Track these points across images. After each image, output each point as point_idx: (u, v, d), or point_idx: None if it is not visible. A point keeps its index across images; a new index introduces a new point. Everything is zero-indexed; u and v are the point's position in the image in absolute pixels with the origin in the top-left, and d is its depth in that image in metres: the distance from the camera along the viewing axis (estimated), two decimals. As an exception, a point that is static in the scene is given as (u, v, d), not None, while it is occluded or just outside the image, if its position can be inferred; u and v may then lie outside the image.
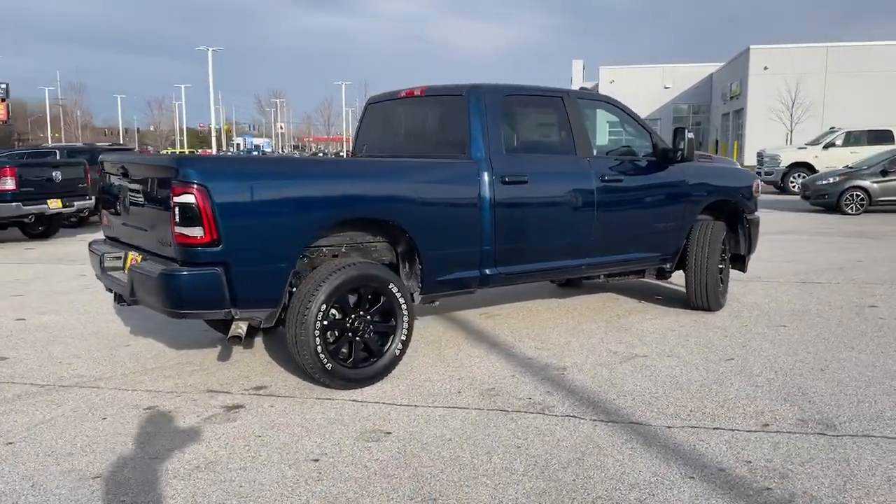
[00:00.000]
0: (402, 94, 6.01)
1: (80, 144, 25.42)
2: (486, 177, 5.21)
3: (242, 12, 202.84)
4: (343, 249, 5.02)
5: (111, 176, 5.14)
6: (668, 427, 4.08)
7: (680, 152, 6.10)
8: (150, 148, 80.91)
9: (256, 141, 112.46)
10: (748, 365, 5.19)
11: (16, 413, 4.37)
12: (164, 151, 61.37)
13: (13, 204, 12.09)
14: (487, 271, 5.37)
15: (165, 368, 5.24)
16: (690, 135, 6.11)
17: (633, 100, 53.80)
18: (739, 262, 7.28)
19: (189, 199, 4.08)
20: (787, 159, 23.01)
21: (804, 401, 4.46)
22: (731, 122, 47.94)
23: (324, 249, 4.94)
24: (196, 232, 4.11)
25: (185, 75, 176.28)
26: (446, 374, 5.06)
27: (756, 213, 7.24)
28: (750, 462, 3.63)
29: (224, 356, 5.54)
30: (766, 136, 36.38)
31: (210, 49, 54.96)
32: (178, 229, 4.14)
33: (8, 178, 12.08)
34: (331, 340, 4.65)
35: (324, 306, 4.50)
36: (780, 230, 13.31)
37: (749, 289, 7.86)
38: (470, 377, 4.98)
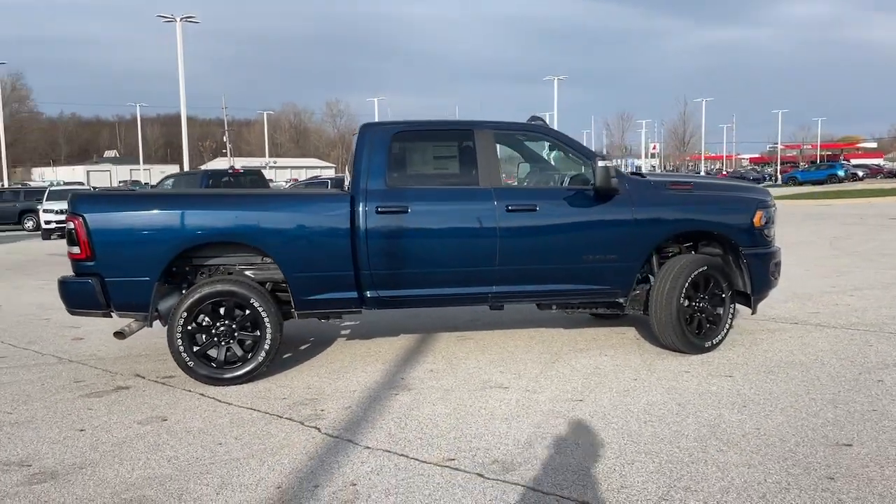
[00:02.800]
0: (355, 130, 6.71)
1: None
2: (360, 207, 5.72)
3: (636, 33, 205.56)
4: (237, 267, 5.96)
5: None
6: (366, 448, 4.31)
7: (593, 182, 5.80)
8: None
9: (637, 162, 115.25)
10: (579, 410, 4.90)
11: (32, 381, 6.06)
12: None
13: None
14: (368, 294, 5.84)
15: (149, 356, 6.69)
16: (602, 163, 5.75)
17: None
18: (748, 301, 6.43)
19: (71, 225, 5.45)
20: None
21: (542, 448, 4.25)
22: None
23: (220, 267, 5.95)
24: (76, 250, 5.46)
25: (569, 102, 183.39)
26: (308, 383, 5.69)
27: (763, 248, 6.33)
28: (356, 484, 3.78)
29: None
30: None
31: (556, 77, 58.04)
32: (68, 248, 5.54)
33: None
34: (202, 343, 5.62)
35: (185, 314, 5.51)
36: None
37: (792, 335, 6.83)
38: (319, 387, 5.56)
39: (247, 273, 5.96)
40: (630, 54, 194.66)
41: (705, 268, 6.14)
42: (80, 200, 5.58)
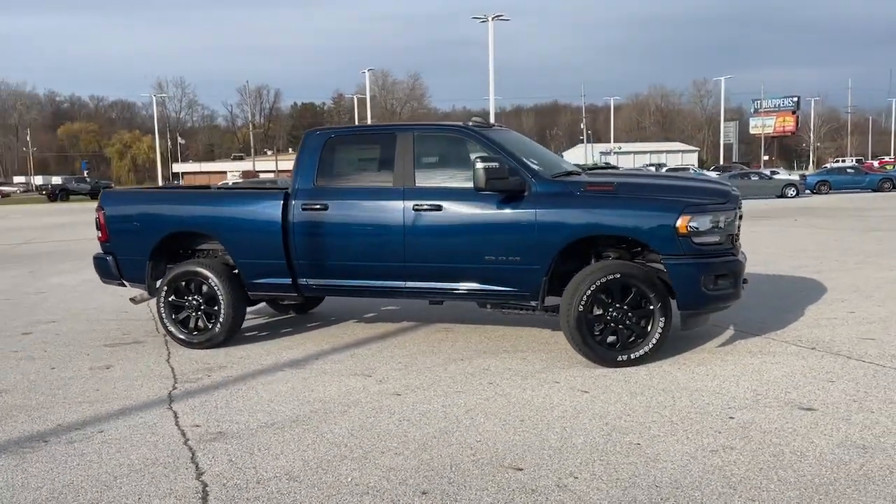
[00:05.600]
0: None
1: None
2: (291, 204, 6.53)
3: None
4: (219, 252, 7.17)
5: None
6: (168, 408, 5.23)
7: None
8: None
9: None
10: (382, 402, 5.21)
11: (94, 330, 8.13)
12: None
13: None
14: (301, 281, 6.64)
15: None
16: (480, 164, 5.68)
17: None
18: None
19: (96, 215, 7.18)
20: None
21: (279, 427, 4.75)
22: None
23: (209, 251, 7.22)
24: (98, 234, 7.18)
25: None
26: (247, 353, 6.69)
27: (694, 258, 5.65)
28: (103, 431, 4.75)
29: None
30: None
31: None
32: (96, 232, 7.28)
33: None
34: (181, 312, 6.97)
35: (166, 288, 6.90)
36: None
37: (767, 360, 5.98)
38: (245, 357, 6.53)
39: (226, 257, 7.14)
40: None
41: (618, 275, 5.74)
42: (106, 195, 7.32)
